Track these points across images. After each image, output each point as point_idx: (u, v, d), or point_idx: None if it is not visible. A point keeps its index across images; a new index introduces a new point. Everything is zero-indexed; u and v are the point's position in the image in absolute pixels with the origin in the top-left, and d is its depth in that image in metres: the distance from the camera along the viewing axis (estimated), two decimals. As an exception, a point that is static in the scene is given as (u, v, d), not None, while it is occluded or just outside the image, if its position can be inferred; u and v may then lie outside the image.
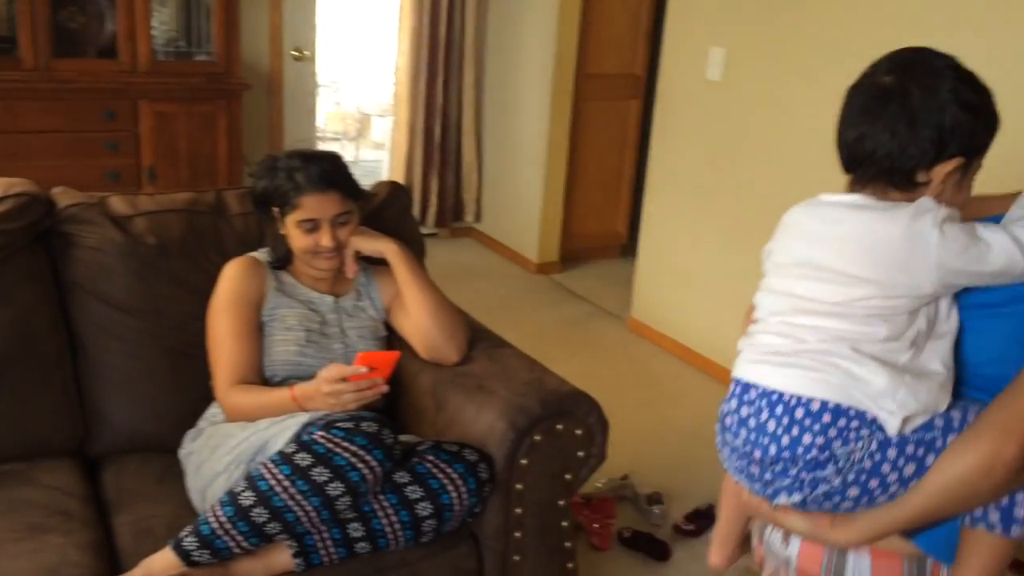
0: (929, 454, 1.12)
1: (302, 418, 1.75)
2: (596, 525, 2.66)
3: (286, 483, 1.62)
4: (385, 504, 1.72)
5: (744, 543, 1.43)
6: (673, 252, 4.04)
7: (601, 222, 5.22)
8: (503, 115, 5.16)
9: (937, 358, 1.14)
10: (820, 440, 1.11)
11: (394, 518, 1.72)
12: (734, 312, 3.72)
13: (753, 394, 1.17)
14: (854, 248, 1.14)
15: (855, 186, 1.19)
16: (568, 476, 1.93)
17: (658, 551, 2.62)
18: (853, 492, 1.13)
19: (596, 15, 4.76)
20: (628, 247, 5.03)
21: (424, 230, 5.25)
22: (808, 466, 1.12)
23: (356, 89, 7.00)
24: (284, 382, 1.92)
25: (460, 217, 5.37)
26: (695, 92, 3.81)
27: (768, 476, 1.17)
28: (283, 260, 2.07)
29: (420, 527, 1.74)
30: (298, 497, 1.62)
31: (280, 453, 1.67)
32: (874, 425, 1.11)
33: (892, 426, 1.11)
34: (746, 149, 3.60)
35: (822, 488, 1.13)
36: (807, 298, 1.16)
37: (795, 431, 1.12)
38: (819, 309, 1.15)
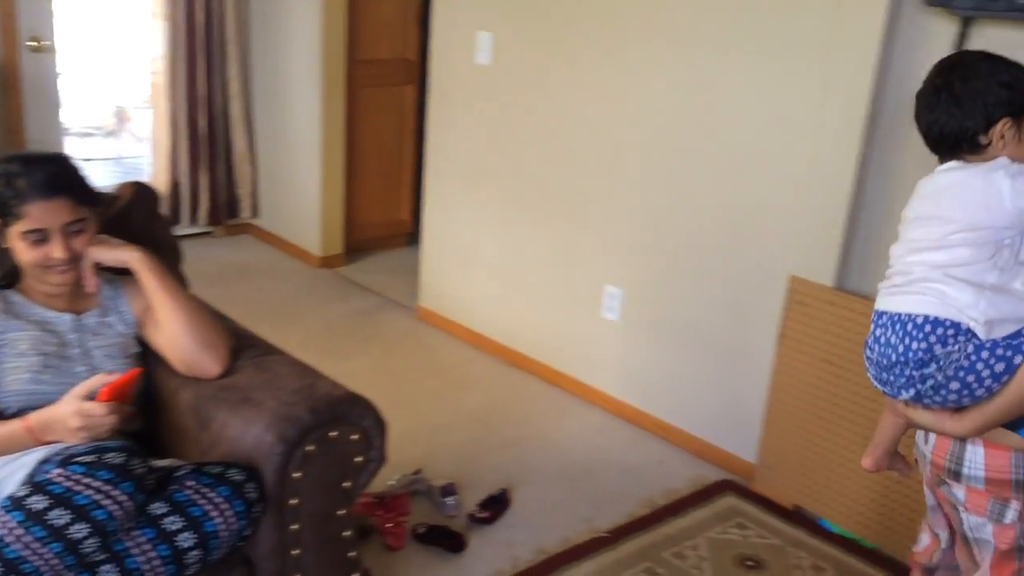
0: (1017, 355, 1.43)
1: (36, 455, 1.57)
2: (390, 524, 2.59)
3: (19, 531, 1.44)
4: (141, 540, 1.57)
5: (891, 457, 1.75)
6: (455, 237, 4.01)
7: (385, 211, 5.12)
8: (274, 105, 4.94)
9: (1020, 280, 1.43)
10: (924, 345, 1.46)
11: (152, 554, 1.57)
12: (517, 293, 3.79)
13: (884, 319, 1.54)
14: (946, 196, 1.49)
15: (944, 159, 1.53)
16: (347, 484, 1.85)
17: (453, 543, 2.59)
18: (955, 385, 1.46)
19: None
20: (414, 235, 4.96)
21: (196, 229, 4.98)
22: (916, 365, 1.47)
23: (113, 81, 6.50)
24: (20, 414, 1.71)
25: (235, 213, 5.09)
26: (466, 76, 3.79)
27: (891, 378, 1.52)
28: (10, 277, 1.86)
29: (183, 560, 1.60)
30: (35, 545, 1.44)
31: (10, 498, 1.48)
32: (969, 333, 1.44)
33: (981, 331, 1.43)
34: (518, 132, 3.62)
35: (929, 382, 1.47)
36: (916, 239, 1.51)
37: (906, 340, 1.48)
38: (923, 247, 1.49)
